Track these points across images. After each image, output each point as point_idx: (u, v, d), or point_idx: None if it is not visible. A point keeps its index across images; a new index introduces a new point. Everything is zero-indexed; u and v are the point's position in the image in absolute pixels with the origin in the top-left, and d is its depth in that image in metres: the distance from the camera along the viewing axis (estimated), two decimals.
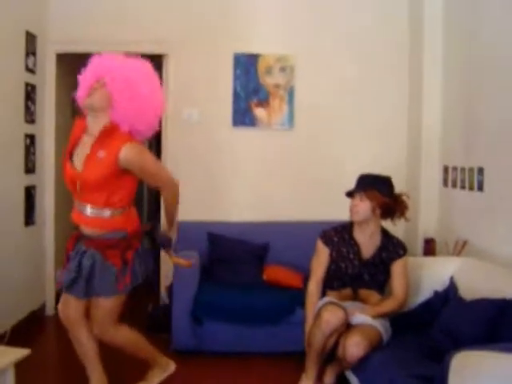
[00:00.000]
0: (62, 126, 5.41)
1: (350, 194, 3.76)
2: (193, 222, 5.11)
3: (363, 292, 3.72)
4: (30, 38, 4.92)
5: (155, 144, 11.49)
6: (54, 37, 5.26)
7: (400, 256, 3.73)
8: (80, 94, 3.14)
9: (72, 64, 5.94)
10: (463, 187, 4.47)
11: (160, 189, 3.34)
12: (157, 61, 5.56)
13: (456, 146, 4.66)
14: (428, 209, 5.03)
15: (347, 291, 3.74)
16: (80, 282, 3.15)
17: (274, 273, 4.72)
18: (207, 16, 5.34)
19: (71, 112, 5.68)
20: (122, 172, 3.08)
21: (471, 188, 4.33)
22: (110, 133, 3.07)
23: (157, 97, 3.18)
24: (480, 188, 4.19)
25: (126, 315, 5.47)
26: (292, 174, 5.41)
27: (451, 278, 3.73)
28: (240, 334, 4.37)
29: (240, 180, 5.40)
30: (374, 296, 3.72)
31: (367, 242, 3.74)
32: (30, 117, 4.95)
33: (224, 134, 5.40)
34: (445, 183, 4.86)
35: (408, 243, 5.26)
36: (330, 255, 3.76)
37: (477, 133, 4.30)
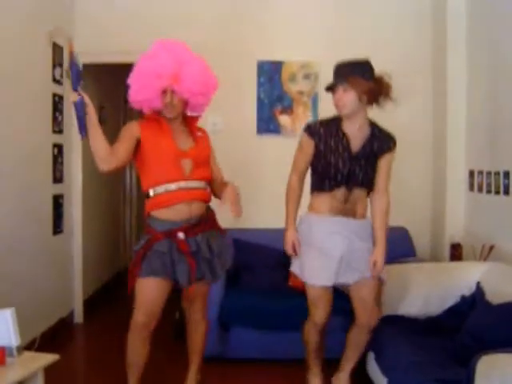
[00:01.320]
0: None
1: (330, 88, 3.39)
2: None
3: (356, 192, 3.42)
4: (57, 50, 5.01)
5: None
6: (79, 48, 5.31)
7: (390, 149, 3.50)
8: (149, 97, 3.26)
9: (98, 75, 6.05)
10: (489, 191, 4.44)
11: (219, 178, 3.52)
12: None
13: (481, 150, 4.64)
14: (454, 214, 5.01)
15: (340, 192, 3.40)
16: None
17: (299, 279, 4.72)
18: (230, 24, 5.39)
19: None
20: (208, 156, 3.46)
21: (497, 192, 4.30)
22: (196, 122, 3.48)
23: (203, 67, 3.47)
24: (506, 192, 4.16)
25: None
26: None
27: (478, 283, 3.70)
28: (266, 340, 4.38)
29: (265, 187, 5.41)
30: (363, 201, 3.48)
31: (356, 133, 3.42)
32: (57, 127, 5.04)
33: (249, 141, 5.43)
34: (471, 187, 4.83)
35: (434, 248, 5.28)
36: (316, 147, 3.41)
37: (502, 136, 4.28)
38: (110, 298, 6.36)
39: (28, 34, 4.50)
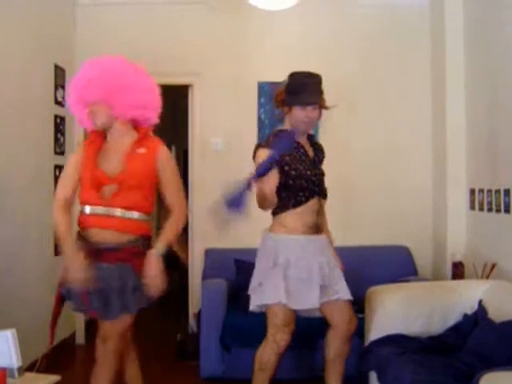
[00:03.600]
0: None
1: (306, 104, 3.36)
2: (219, 249, 5.15)
3: (323, 202, 3.49)
4: (59, 72, 5.06)
5: (182, 173, 11.55)
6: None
7: (323, 156, 3.59)
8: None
9: None
10: (490, 209, 4.45)
11: (174, 206, 3.25)
12: (182, 90, 5.69)
13: (482, 169, 4.65)
14: (455, 232, 5.00)
15: (314, 203, 3.38)
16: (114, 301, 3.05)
17: None
18: (230, 46, 5.45)
19: None
20: (154, 177, 3.19)
21: (498, 210, 4.30)
22: (146, 134, 3.24)
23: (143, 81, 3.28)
24: (507, 210, 4.16)
25: (157, 344, 5.53)
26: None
27: (480, 301, 3.69)
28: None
29: None
30: (322, 209, 3.51)
31: (304, 142, 3.51)
32: (59, 148, 5.07)
33: (249, 161, 5.42)
34: (472, 206, 4.84)
35: (436, 267, 5.28)
36: (283, 161, 3.30)
37: (502, 155, 4.29)
38: None
39: (31, 58, 4.54)
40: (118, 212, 3.10)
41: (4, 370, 2.76)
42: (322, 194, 3.46)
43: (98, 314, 3.10)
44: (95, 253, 3.08)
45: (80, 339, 5.42)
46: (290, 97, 3.41)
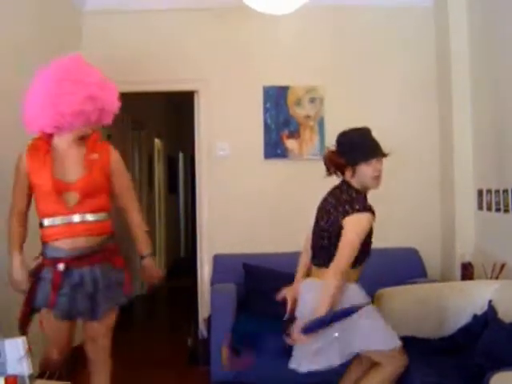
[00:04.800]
0: None
1: (379, 155, 3.30)
2: (228, 254, 5.16)
3: None
4: None
5: (191, 179, 11.62)
6: None
7: None
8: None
9: None
10: (498, 210, 4.43)
11: (132, 210, 3.38)
12: (188, 97, 5.72)
13: (489, 169, 4.64)
14: (464, 233, 4.99)
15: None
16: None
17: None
18: (235, 52, 5.46)
19: None
20: (109, 179, 3.27)
21: (506, 210, 4.29)
22: (96, 139, 3.28)
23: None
24: None
25: (168, 350, 5.54)
26: None
27: (490, 302, 3.68)
28: (278, 364, 4.34)
29: (274, 210, 5.42)
30: None
31: None
32: None
33: (256, 166, 5.46)
34: (479, 206, 4.83)
35: (445, 269, 5.27)
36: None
37: (509, 154, 4.27)
38: (121, 325, 6.35)
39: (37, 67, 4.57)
40: (88, 217, 3.16)
41: (15, 377, 2.77)
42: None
43: (85, 316, 3.20)
44: (75, 260, 3.13)
45: None
46: (352, 155, 3.29)
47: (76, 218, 3.14)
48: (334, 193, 3.37)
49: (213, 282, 5.00)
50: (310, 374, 4.29)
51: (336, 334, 3.08)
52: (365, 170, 3.27)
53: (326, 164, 3.41)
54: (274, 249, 5.28)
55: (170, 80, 5.48)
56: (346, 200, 3.24)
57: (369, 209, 3.21)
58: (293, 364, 3.27)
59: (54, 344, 3.28)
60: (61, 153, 3.20)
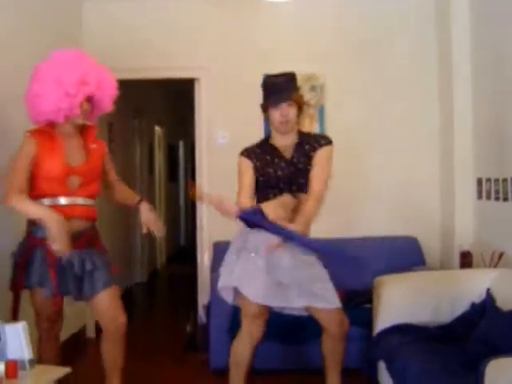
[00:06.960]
0: None
1: (271, 104, 3.44)
2: (228, 242, 5.15)
3: (303, 197, 3.42)
4: None
5: (191, 168, 11.64)
6: None
7: (321, 145, 3.45)
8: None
9: None
10: (497, 198, 4.44)
11: (119, 181, 3.63)
12: (188, 85, 5.72)
13: (489, 158, 4.64)
14: (463, 222, 5.01)
15: (287, 199, 3.42)
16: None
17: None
18: (235, 39, 5.46)
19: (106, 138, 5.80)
20: (103, 167, 3.51)
21: (505, 199, 4.30)
22: (95, 131, 3.52)
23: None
24: None
25: (166, 336, 5.57)
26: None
27: (488, 290, 3.70)
28: (279, 351, 4.37)
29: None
30: (301, 206, 3.45)
31: (287, 144, 3.49)
32: None
33: None
34: (479, 195, 4.84)
35: (444, 257, 5.28)
36: (255, 167, 3.49)
37: (509, 144, 4.28)
38: None
39: (39, 54, 4.56)
40: (82, 201, 3.33)
41: (15, 362, 2.79)
42: (297, 190, 3.44)
43: (74, 295, 3.34)
44: None
45: (90, 333, 5.46)
46: (263, 101, 3.52)
47: (78, 200, 3.31)
48: None
49: (213, 270, 5.02)
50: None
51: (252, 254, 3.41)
52: (273, 115, 3.47)
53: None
54: None
55: (171, 67, 5.48)
56: None
57: (243, 152, 3.58)
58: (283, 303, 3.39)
59: (44, 317, 3.43)
60: (65, 140, 3.35)
